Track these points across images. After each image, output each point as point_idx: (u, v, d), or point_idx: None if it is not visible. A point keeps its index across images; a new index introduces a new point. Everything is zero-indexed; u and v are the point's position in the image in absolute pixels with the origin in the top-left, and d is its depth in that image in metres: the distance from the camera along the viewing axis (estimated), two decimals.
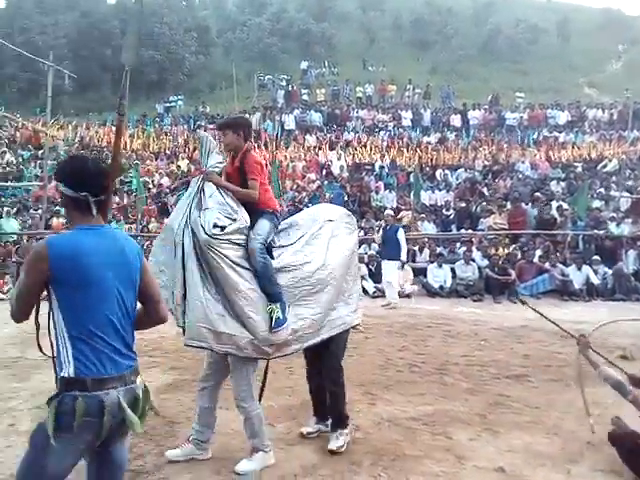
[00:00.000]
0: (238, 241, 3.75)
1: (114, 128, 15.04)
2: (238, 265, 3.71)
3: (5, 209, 13.84)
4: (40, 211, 14.17)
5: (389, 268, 10.82)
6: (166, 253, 3.79)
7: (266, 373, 4.17)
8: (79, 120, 25.33)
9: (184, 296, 3.66)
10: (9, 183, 16.19)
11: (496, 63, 37.92)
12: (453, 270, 12.11)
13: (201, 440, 4.03)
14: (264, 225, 3.87)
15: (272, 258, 3.86)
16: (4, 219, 13.21)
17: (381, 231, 11.38)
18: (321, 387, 4.44)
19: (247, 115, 23.95)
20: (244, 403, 3.84)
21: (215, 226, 3.64)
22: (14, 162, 18.33)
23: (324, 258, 4.03)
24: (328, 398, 4.34)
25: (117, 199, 16.06)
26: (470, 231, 14.15)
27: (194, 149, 20.98)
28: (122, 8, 39.54)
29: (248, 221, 3.86)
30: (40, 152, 18.41)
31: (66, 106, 26.64)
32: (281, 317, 3.72)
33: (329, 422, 4.40)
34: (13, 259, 11.59)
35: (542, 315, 4.36)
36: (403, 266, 11.15)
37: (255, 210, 3.94)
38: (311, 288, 3.96)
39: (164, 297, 3.50)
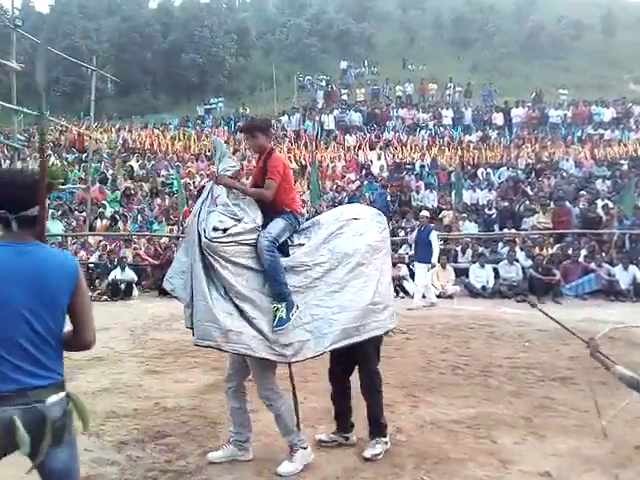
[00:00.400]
0: (248, 241, 3.75)
1: (156, 131, 15.31)
2: (241, 266, 3.71)
3: (50, 212, 14.20)
4: (84, 213, 14.49)
5: (419, 271, 10.66)
6: (186, 255, 3.86)
7: (292, 378, 4.16)
8: (122, 123, 25.93)
9: (191, 297, 3.70)
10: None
11: (538, 60, 37.11)
12: (496, 270, 11.86)
13: (240, 441, 4.02)
14: (277, 224, 3.86)
15: (287, 256, 3.84)
16: (49, 221, 13.56)
17: (415, 232, 11.19)
18: (345, 392, 4.30)
19: (285, 116, 24.17)
20: (269, 401, 3.85)
21: (215, 229, 3.68)
22: (59, 165, 18.82)
23: (342, 257, 3.94)
24: (366, 405, 4.21)
25: (159, 201, 16.34)
26: (513, 231, 13.83)
27: (234, 151, 21.20)
28: (164, 12, 40.38)
29: (259, 220, 3.86)
30: (84, 155, 18.86)
31: (109, 109, 27.35)
32: (284, 317, 3.67)
33: (350, 435, 4.29)
34: None
35: (551, 317, 4.22)
36: (433, 267, 10.93)
37: (274, 210, 3.95)
38: (327, 288, 3.87)
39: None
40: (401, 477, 3.84)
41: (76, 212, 14.99)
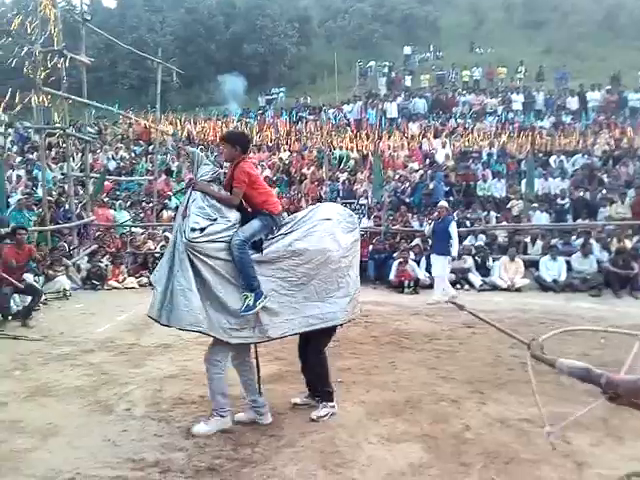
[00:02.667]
0: (223, 239, 4.25)
1: (219, 122, 15.51)
2: (219, 259, 4.22)
3: (118, 202, 14.66)
4: (151, 204, 14.87)
5: (438, 263, 10.23)
6: (169, 252, 4.40)
7: (257, 355, 4.70)
8: (186, 115, 26.46)
9: (170, 290, 4.19)
10: (123, 177, 17.13)
11: (616, 41, 35.11)
12: (568, 263, 11.34)
13: (258, 407, 4.56)
14: (252, 224, 4.35)
15: (260, 252, 4.34)
16: (117, 212, 14.01)
17: (431, 224, 10.73)
18: (306, 367, 4.85)
19: (347, 104, 24.02)
20: (211, 365, 4.38)
21: (193, 230, 4.20)
22: (127, 157, 19.40)
23: (311, 254, 4.38)
24: (311, 378, 4.79)
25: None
26: (588, 221, 13.22)
27: (296, 140, 21.25)
28: (226, 2, 40.78)
29: (233, 219, 4.34)
30: (150, 147, 19.35)
31: (174, 101, 27.89)
32: (251, 305, 4.19)
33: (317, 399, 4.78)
34: (127, 250, 12.26)
35: (481, 319, 3.93)
36: (453, 260, 10.49)
37: (253, 211, 4.46)
38: (296, 280, 4.38)
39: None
40: (469, 476, 3.73)
41: (143, 203, 15.42)
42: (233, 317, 4.24)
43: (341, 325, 4.70)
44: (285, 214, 4.81)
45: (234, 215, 4.39)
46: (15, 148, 18.87)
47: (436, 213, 10.73)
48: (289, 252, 4.39)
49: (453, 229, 10.16)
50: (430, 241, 10.96)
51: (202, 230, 4.22)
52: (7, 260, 7.91)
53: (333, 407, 4.70)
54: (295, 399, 4.91)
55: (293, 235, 4.46)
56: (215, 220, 4.30)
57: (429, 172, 16.46)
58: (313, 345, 4.66)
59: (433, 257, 10.46)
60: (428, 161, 17.92)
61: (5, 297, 7.89)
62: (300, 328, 4.45)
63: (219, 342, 4.35)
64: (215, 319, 4.23)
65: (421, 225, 13.10)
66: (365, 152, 18.79)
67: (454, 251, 10.16)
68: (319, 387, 4.75)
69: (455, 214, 13.83)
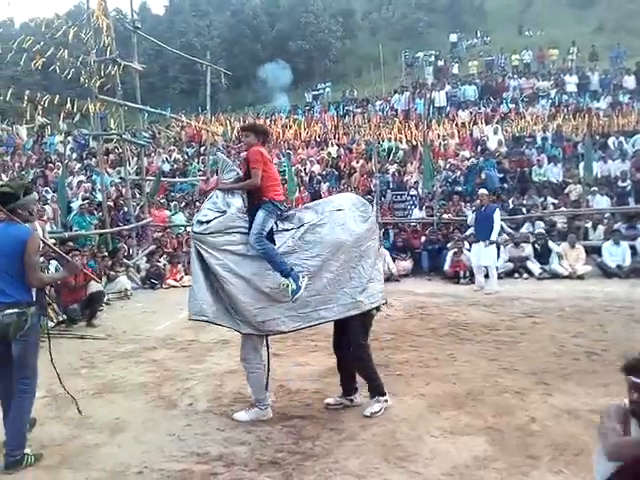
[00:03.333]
0: (236, 229, 4.37)
1: (268, 121, 15.62)
2: (229, 252, 4.33)
3: (173, 203, 14.95)
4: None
5: (487, 251, 9.97)
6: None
7: (268, 347, 4.66)
8: (236, 114, 26.80)
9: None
10: (177, 179, 17.49)
11: None
12: (633, 248, 10.89)
13: (261, 406, 4.58)
14: (258, 218, 4.35)
15: (272, 242, 4.36)
16: (173, 212, 14.28)
17: (473, 213, 10.53)
18: (342, 363, 4.76)
19: (394, 95, 23.78)
20: (246, 363, 4.55)
21: (200, 222, 4.40)
22: (180, 159, 19.81)
23: (323, 247, 4.38)
24: (357, 373, 4.69)
25: None
26: None
27: (344, 133, 21.19)
28: (271, 2, 41.04)
29: (239, 205, 4.44)
30: (202, 148, 19.69)
31: (223, 102, 28.32)
32: (295, 288, 4.22)
33: (354, 397, 4.73)
34: (184, 249, 12.52)
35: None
36: (491, 244, 10.15)
37: (257, 198, 4.44)
38: (308, 273, 4.33)
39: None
40: (537, 468, 3.63)
41: (197, 203, 15.69)
42: (240, 309, 4.34)
43: (378, 309, 4.65)
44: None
45: (240, 201, 4.48)
46: (74, 155, 19.58)
47: (478, 201, 10.61)
48: (300, 245, 4.40)
49: (497, 216, 10.03)
50: (474, 230, 10.69)
51: (208, 222, 4.36)
52: (67, 282, 8.17)
53: (386, 401, 4.61)
54: (328, 399, 4.81)
55: (304, 227, 4.46)
56: (224, 212, 4.40)
57: (481, 159, 16.11)
58: (349, 338, 4.57)
59: (477, 246, 10.23)
60: (480, 148, 17.53)
61: (75, 311, 8.20)
62: (313, 321, 4.47)
63: (247, 340, 4.50)
64: (223, 309, 4.37)
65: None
66: (414, 142, 18.55)
67: (494, 235, 9.99)
68: (368, 381, 4.66)
69: (510, 201, 13.52)
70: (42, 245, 4.21)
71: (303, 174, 17.67)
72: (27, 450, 3.88)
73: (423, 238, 12.48)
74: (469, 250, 11.07)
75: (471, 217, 10.62)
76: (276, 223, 4.48)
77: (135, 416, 4.69)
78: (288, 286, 4.23)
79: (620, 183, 14.00)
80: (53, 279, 4.44)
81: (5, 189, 3.94)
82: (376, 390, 4.60)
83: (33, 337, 3.86)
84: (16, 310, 3.76)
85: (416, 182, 15.45)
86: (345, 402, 4.73)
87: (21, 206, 3.90)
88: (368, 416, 4.46)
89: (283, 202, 4.63)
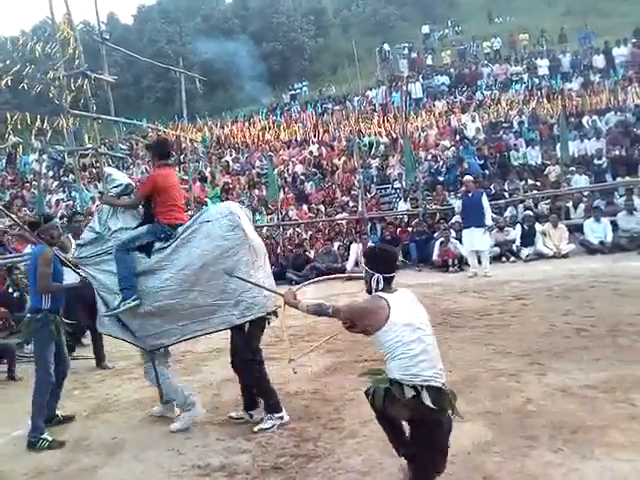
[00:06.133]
0: (105, 251, 4.61)
1: (247, 123, 15.47)
2: (108, 272, 4.58)
3: None
4: (189, 211, 14.99)
5: (478, 236, 10.12)
6: None
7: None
8: (213, 120, 26.67)
9: None
10: None
11: None
12: (614, 223, 11.04)
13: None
14: (136, 230, 4.60)
15: (148, 257, 4.51)
16: None
17: (460, 200, 10.66)
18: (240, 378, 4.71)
19: (371, 90, 23.82)
20: (149, 375, 4.83)
21: (79, 246, 4.84)
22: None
23: (187, 261, 4.37)
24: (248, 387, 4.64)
25: (257, 192, 16.67)
26: (628, 179, 12.81)
27: (324, 131, 21.18)
28: (240, 4, 40.86)
29: (120, 227, 4.64)
30: (182, 156, 19.58)
31: (200, 108, 28.08)
32: (116, 305, 4.45)
33: (253, 413, 4.59)
34: None
35: (244, 279, 4.28)
36: (490, 230, 10.42)
37: (150, 220, 4.68)
38: (177, 287, 4.38)
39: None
40: (537, 449, 3.66)
41: None
42: (126, 325, 4.59)
43: (269, 323, 4.60)
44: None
45: (126, 221, 4.70)
46: (51, 173, 19.36)
47: (463, 188, 10.72)
48: (172, 260, 4.44)
49: (485, 201, 10.16)
50: (461, 217, 10.81)
51: (84, 245, 4.73)
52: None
53: (281, 418, 4.44)
54: (231, 413, 4.74)
55: (176, 242, 4.48)
56: (98, 234, 4.68)
57: (461, 148, 16.20)
58: (237, 353, 4.50)
59: (468, 231, 10.33)
60: (458, 137, 17.63)
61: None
62: (190, 334, 4.52)
63: (145, 353, 4.75)
64: (118, 325, 4.64)
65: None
66: (394, 135, 18.59)
67: (488, 220, 10.15)
68: (261, 398, 4.55)
69: (492, 186, 13.62)
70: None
71: (286, 175, 17.67)
72: (45, 435, 4.51)
73: (410, 229, 12.54)
74: (455, 238, 11.15)
75: (458, 204, 10.71)
76: (154, 243, 4.56)
77: (132, 434, 4.63)
78: (115, 299, 4.48)
79: (596, 161, 14.21)
80: (59, 288, 4.80)
81: (30, 219, 5.15)
82: (269, 407, 4.47)
83: (39, 336, 4.72)
84: (29, 314, 4.84)
85: (399, 174, 15.51)
86: (246, 417, 4.61)
87: (44, 231, 4.87)
88: (255, 432, 4.37)
89: (177, 224, 4.62)
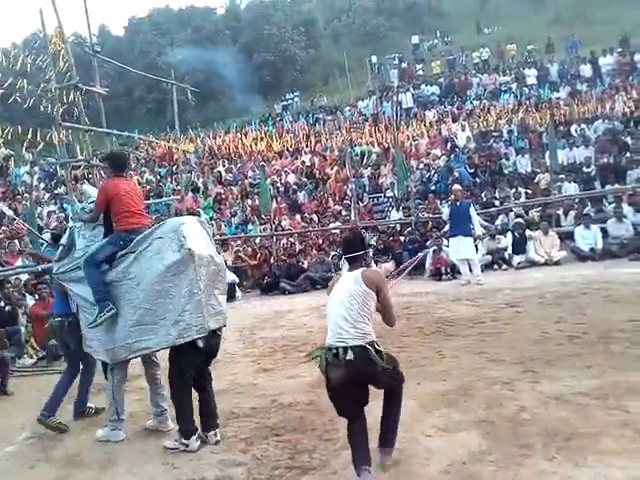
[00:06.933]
0: (77, 265, 4.73)
1: (239, 134, 15.48)
2: (76, 283, 4.76)
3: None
4: None
5: (466, 245, 10.17)
6: None
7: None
8: (205, 131, 26.71)
9: None
10: (151, 200, 17.30)
11: (623, 2, 34.18)
12: (604, 230, 11.13)
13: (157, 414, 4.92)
14: (99, 244, 4.72)
15: (111, 268, 4.60)
16: None
17: (448, 208, 10.68)
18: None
19: (361, 100, 23.93)
20: (108, 386, 4.95)
21: (56, 262, 4.97)
22: (152, 180, 19.65)
23: (141, 276, 4.44)
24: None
25: (249, 202, 16.68)
26: (617, 186, 12.91)
27: (316, 141, 21.26)
28: (232, 16, 41.06)
29: (90, 238, 4.80)
30: (174, 167, 19.58)
31: (192, 119, 28.17)
32: (95, 317, 4.53)
33: (208, 434, 4.51)
34: None
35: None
36: (480, 239, 10.55)
37: (111, 231, 4.79)
38: (131, 303, 4.47)
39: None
40: (531, 457, 3.67)
41: None
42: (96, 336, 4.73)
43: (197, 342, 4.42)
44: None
45: (98, 235, 4.83)
46: (42, 185, 19.30)
47: (452, 196, 10.74)
48: (126, 275, 4.51)
49: (473, 212, 10.25)
50: (449, 225, 10.79)
51: (60, 260, 4.86)
52: (35, 314, 8.01)
53: (186, 445, 4.36)
54: (148, 422, 4.98)
55: (133, 256, 4.53)
56: (69, 249, 4.83)
57: (452, 157, 16.31)
58: (170, 370, 4.47)
59: (456, 240, 10.33)
60: (449, 145, 17.75)
61: (54, 347, 7.66)
62: (137, 352, 4.55)
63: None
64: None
65: None
66: (386, 145, 18.70)
67: (478, 229, 10.27)
68: (176, 418, 4.53)
69: (483, 195, 13.71)
70: None
71: (279, 185, 17.70)
72: (55, 417, 5.04)
73: (402, 238, 12.57)
74: (447, 246, 11.21)
75: (446, 212, 10.74)
76: (117, 253, 4.62)
77: (126, 448, 4.59)
78: (92, 314, 4.58)
79: (585, 169, 14.33)
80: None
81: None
82: (180, 431, 4.46)
83: (75, 336, 5.02)
84: (59, 318, 5.28)
85: (391, 183, 15.59)
86: (202, 437, 4.53)
87: None
88: (165, 446, 4.45)
89: (133, 230, 4.68)
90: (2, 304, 8.51)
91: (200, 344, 4.40)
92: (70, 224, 5.20)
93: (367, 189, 16.18)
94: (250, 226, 15.22)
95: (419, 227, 12.82)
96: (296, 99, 31.36)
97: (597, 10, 33.00)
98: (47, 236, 12.73)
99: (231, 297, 11.87)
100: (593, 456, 3.58)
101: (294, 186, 17.23)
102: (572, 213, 12.24)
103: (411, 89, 24.08)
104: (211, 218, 15.64)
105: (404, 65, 29.36)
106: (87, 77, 7.89)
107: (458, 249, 10.28)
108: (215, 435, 4.51)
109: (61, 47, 7.75)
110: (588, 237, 11.13)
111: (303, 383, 5.69)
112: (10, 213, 5.40)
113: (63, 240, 5.04)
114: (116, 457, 4.44)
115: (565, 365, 5.26)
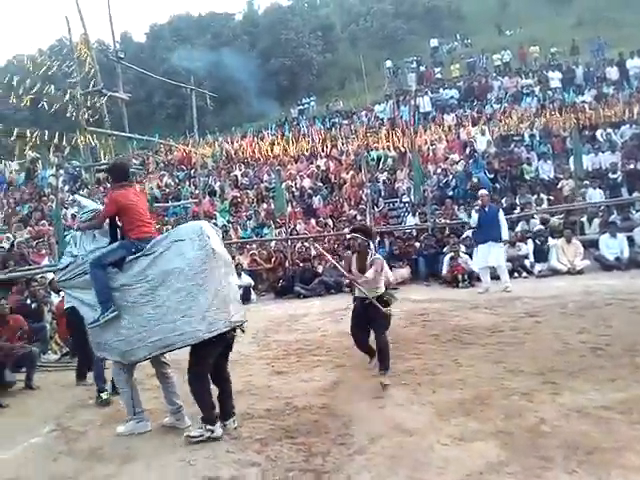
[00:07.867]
0: (84, 271, 4.76)
1: (256, 138, 15.59)
2: (87, 292, 4.76)
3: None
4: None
5: (497, 251, 9.97)
6: None
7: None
8: (223, 135, 26.89)
9: None
10: (170, 203, 17.48)
11: None
12: (630, 239, 10.90)
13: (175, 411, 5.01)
14: (110, 247, 4.80)
15: (121, 271, 4.68)
16: None
17: (476, 213, 10.36)
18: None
19: (378, 104, 23.86)
20: (116, 383, 5.15)
21: (59, 270, 5.04)
22: (171, 183, 19.87)
23: (161, 277, 4.54)
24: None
25: (265, 206, 16.72)
26: None
27: (332, 146, 21.27)
28: (249, 21, 41.30)
29: (94, 245, 4.85)
30: (192, 171, 19.76)
31: (210, 124, 28.37)
32: (96, 317, 4.65)
33: (227, 423, 4.75)
34: None
35: None
36: (506, 244, 10.35)
37: (122, 238, 4.89)
38: (152, 303, 4.55)
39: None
40: (551, 470, 3.59)
41: None
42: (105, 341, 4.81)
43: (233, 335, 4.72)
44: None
45: (99, 242, 4.90)
46: (67, 187, 19.59)
47: (479, 201, 10.52)
48: (140, 276, 4.60)
49: (502, 216, 10.08)
50: (477, 232, 10.54)
51: (65, 268, 4.91)
52: (60, 311, 8.02)
53: (212, 431, 4.55)
54: (165, 419, 5.05)
55: (146, 260, 4.63)
56: (76, 257, 4.88)
57: (470, 162, 16.17)
58: (190, 366, 4.62)
59: (485, 246, 10.11)
60: (468, 150, 17.59)
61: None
62: (160, 349, 4.62)
63: (114, 364, 4.97)
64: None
65: (469, 217, 12.85)
66: (402, 149, 18.61)
67: (505, 235, 10.10)
68: (199, 408, 4.68)
69: (503, 200, 13.55)
70: None
71: (294, 189, 17.71)
72: (103, 394, 5.80)
73: (418, 244, 12.48)
74: (466, 253, 11.08)
75: (474, 218, 10.39)
76: (125, 258, 4.71)
77: (145, 444, 4.66)
78: (95, 312, 4.68)
79: (611, 175, 14.07)
80: None
81: None
82: (203, 419, 4.62)
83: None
84: None
85: (408, 188, 15.50)
86: (176, 424, 4.94)
87: None
88: (186, 436, 4.61)
89: (145, 239, 4.79)
90: (28, 301, 8.78)
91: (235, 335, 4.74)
92: (72, 233, 5.31)
93: (383, 194, 16.11)
94: (266, 230, 15.25)
95: (436, 233, 12.72)
96: (312, 103, 31.39)
97: (621, 13, 32.57)
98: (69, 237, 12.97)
99: (246, 300, 11.91)
100: (616, 471, 3.50)
101: (309, 190, 17.22)
102: (596, 221, 12.02)
103: (429, 93, 23.94)
104: (228, 221, 15.72)
105: (422, 68, 29.22)
106: (109, 82, 8.01)
107: (487, 256, 10.04)
108: (233, 422, 4.76)
109: (87, 54, 7.88)
110: (613, 246, 10.89)
111: (317, 387, 5.67)
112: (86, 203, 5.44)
113: (68, 248, 5.12)
114: (135, 452, 4.51)
115: (588, 377, 5.15)
